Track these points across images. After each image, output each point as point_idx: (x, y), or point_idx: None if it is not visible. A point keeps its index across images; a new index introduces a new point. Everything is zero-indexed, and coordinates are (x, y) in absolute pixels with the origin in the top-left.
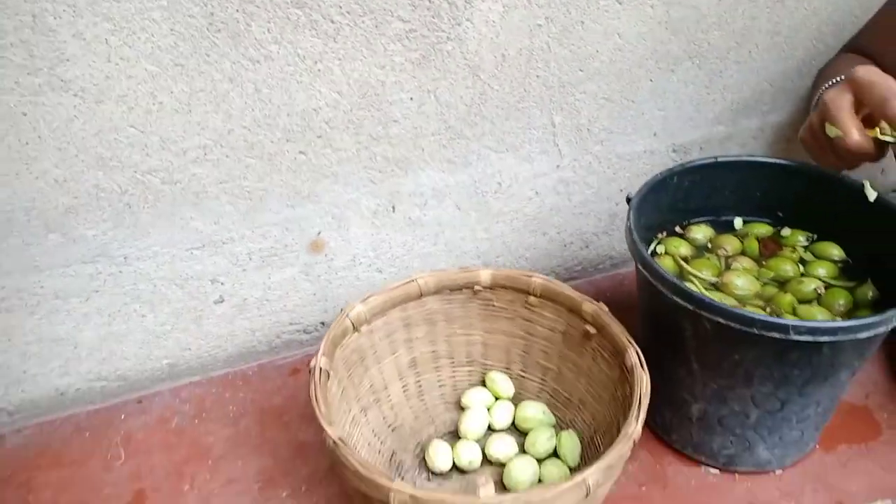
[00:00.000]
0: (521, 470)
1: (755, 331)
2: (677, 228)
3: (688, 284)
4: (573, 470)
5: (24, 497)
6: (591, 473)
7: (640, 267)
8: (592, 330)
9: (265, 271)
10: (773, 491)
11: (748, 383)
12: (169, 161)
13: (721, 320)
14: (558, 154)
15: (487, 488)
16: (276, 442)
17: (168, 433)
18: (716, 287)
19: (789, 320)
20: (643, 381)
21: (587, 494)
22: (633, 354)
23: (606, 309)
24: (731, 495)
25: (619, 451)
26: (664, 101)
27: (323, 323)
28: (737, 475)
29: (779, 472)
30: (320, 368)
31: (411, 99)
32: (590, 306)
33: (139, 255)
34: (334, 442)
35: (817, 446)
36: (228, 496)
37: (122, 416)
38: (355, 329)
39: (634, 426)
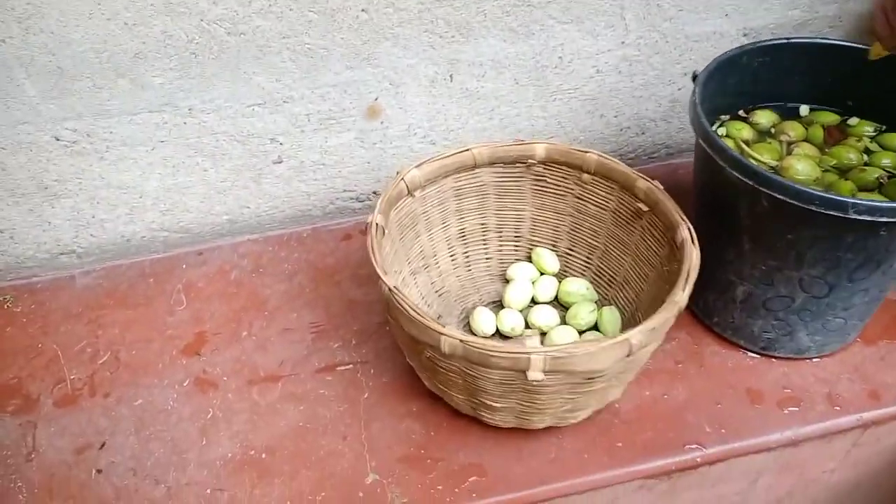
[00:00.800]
0: (562, 338)
1: (813, 208)
2: (741, 112)
3: None
4: None
5: (94, 332)
6: (635, 334)
7: (700, 141)
8: (644, 208)
9: (322, 134)
10: (809, 377)
11: (799, 265)
12: (234, 10)
13: (780, 196)
14: (624, 29)
15: (533, 340)
16: (329, 298)
17: (227, 284)
18: (775, 171)
19: (849, 198)
20: (693, 255)
21: (629, 354)
22: (685, 230)
23: (661, 186)
24: (766, 377)
25: (664, 315)
26: None
27: (375, 192)
28: (774, 359)
29: (816, 359)
30: (377, 224)
31: None
32: (643, 183)
33: (203, 108)
34: (390, 289)
35: (858, 338)
36: (283, 343)
37: (184, 266)
38: (409, 193)
39: (681, 294)
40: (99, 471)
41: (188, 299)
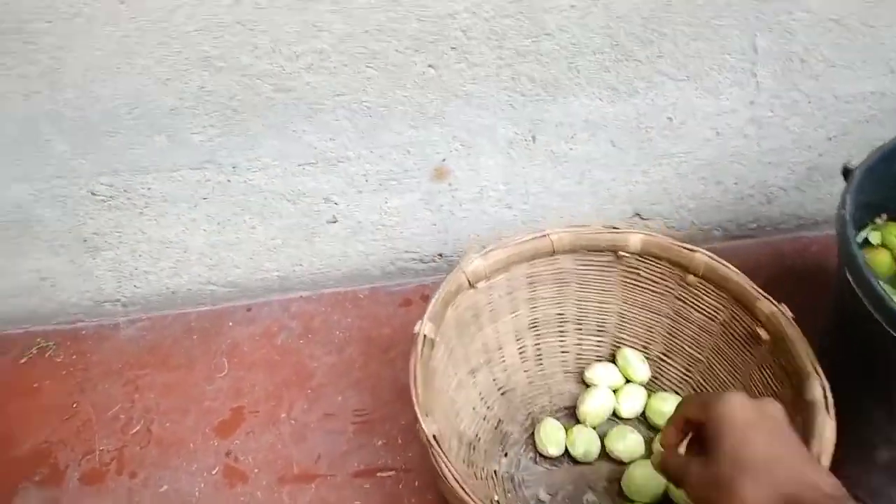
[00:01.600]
0: (646, 477)
1: None
2: None
3: None
4: None
5: (131, 395)
6: None
7: (845, 270)
8: (765, 336)
9: (382, 195)
10: None
11: None
12: (280, 66)
13: None
14: (755, 88)
15: None
16: (379, 379)
17: (273, 349)
18: None
19: None
20: (825, 429)
21: None
22: (818, 388)
23: (790, 314)
24: None
25: None
26: None
27: (441, 255)
28: None
29: None
30: (424, 336)
31: (572, 7)
32: (767, 305)
33: (249, 166)
34: (428, 440)
35: None
36: (323, 433)
37: (230, 323)
38: (471, 285)
39: None
40: None
41: (230, 364)
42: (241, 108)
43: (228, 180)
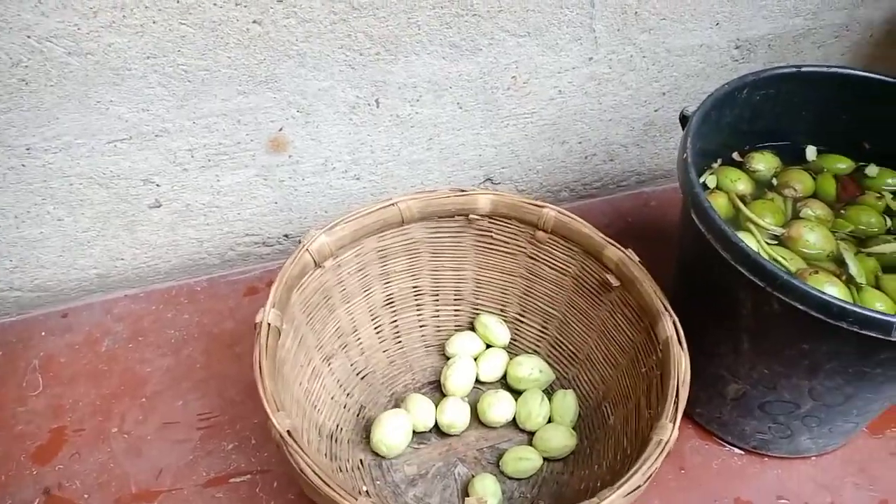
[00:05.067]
0: (518, 461)
1: (844, 325)
2: (735, 155)
3: (745, 236)
4: (575, 429)
5: None
6: (610, 499)
7: (694, 215)
8: (615, 282)
9: (212, 172)
10: (808, 482)
11: (811, 375)
12: (75, 25)
13: (799, 306)
14: (594, 43)
15: None
16: (225, 378)
17: (96, 358)
18: (779, 241)
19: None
20: (681, 365)
21: None
22: (670, 325)
23: (637, 258)
24: (757, 482)
25: (649, 467)
26: None
27: (287, 235)
28: (766, 458)
29: (815, 458)
30: (269, 325)
31: None
32: (614, 252)
33: (46, 146)
34: (282, 436)
35: (865, 429)
36: (163, 444)
37: (43, 333)
38: (317, 265)
39: (670, 432)
40: None
41: (45, 380)
42: (28, 78)
43: (23, 164)
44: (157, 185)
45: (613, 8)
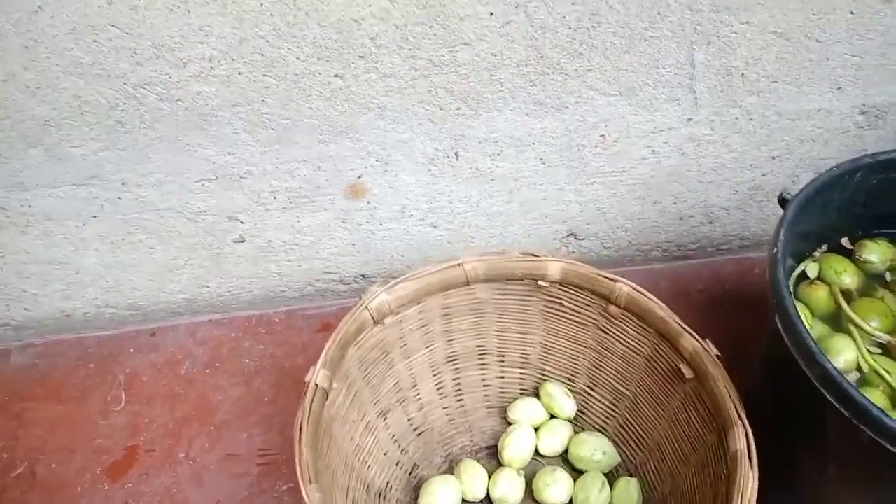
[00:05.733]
0: None
1: None
2: (845, 241)
3: (844, 340)
4: None
5: (15, 431)
6: None
7: (778, 321)
8: (689, 373)
9: (293, 212)
10: None
11: None
12: (166, 74)
13: (892, 448)
14: (693, 104)
15: None
16: (289, 415)
17: (175, 380)
18: (885, 350)
19: None
20: (747, 486)
21: None
22: (742, 437)
23: (715, 351)
24: None
25: None
26: (865, 44)
27: (363, 275)
28: None
29: None
30: (316, 386)
31: (491, 14)
32: (690, 342)
33: (140, 182)
34: None
35: None
36: (223, 476)
37: (131, 350)
38: (376, 322)
39: None
40: None
41: (127, 396)
42: (124, 120)
43: (118, 197)
44: (242, 223)
45: (717, 70)
